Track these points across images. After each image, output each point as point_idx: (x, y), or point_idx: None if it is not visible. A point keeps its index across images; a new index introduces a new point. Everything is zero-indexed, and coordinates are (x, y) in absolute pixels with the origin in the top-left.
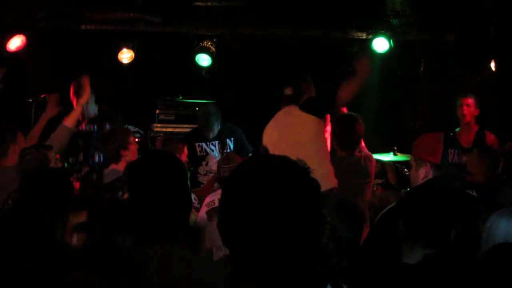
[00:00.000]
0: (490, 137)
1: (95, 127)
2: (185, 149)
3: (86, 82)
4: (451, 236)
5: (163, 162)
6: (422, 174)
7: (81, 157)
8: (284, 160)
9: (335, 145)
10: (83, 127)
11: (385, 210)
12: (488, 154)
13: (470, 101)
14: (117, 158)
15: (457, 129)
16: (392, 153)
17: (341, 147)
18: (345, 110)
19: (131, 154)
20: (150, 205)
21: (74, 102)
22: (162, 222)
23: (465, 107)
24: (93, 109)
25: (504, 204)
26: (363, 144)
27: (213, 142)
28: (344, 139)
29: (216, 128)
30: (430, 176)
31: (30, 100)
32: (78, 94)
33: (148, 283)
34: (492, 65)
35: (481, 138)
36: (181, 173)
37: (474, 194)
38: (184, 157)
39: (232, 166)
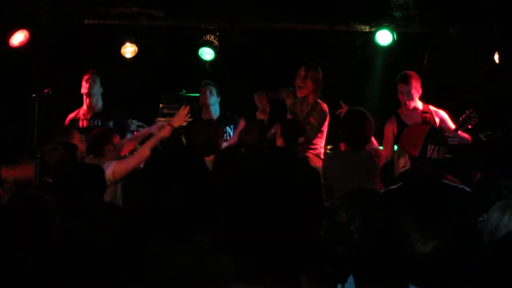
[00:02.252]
0: (438, 112)
1: (100, 122)
2: None
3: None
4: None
5: (186, 160)
6: (402, 163)
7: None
8: (283, 151)
9: (343, 141)
10: (87, 123)
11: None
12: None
13: (409, 87)
14: None
15: (399, 109)
16: (395, 145)
17: (349, 144)
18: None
19: None
20: (174, 204)
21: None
22: (185, 218)
23: (405, 96)
24: (99, 103)
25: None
26: (372, 138)
27: None
28: (353, 136)
29: (216, 97)
30: (408, 166)
31: (34, 95)
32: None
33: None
34: (496, 57)
35: (429, 116)
36: (203, 171)
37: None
38: None
39: None
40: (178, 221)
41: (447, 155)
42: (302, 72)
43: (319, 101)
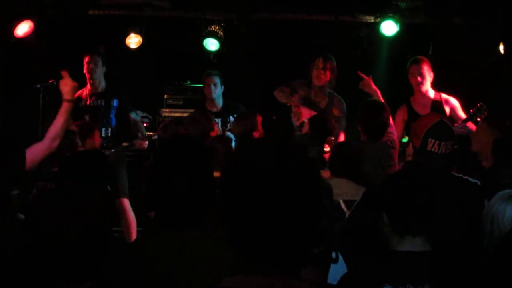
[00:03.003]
0: (449, 100)
1: (103, 102)
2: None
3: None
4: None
5: (189, 147)
6: (408, 151)
7: None
8: (282, 142)
9: (361, 132)
10: (90, 102)
11: (358, 200)
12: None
13: (423, 69)
14: None
15: (411, 96)
16: (404, 132)
17: (367, 134)
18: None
19: None
20: (175, 188)
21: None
22: (187, 207)
23: (418, 78)
24: (102, 83)
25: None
26: (393, 129)
27: (216, 120)
28: (370, 127)
29: (220, 89)
30: (412, 156)
31: (38, 86)
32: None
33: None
34: (501, 48)
35: (438, 104)
36: (206, 159)
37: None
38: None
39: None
40: (179, 208)
41: (455, 147)
42: (320, 64)
43: (333, 92)
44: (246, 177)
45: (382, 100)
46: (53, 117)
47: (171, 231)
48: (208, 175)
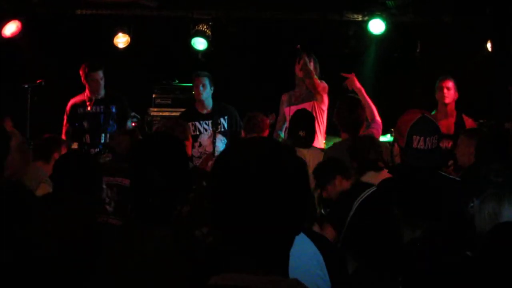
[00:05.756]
0: (468, 122)
1: (102, 108)
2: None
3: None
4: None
5: (164, 143)
6: (394, 151)
7: (87, 139)
8: (269, 141)
9: (339, 127)
10: (90, 108)
11: (366, 193)
12: (476, 136)
13: (450, 84)
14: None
15: (433, 112)
16: (389, 134)
17: (343, 129)
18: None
19: None
20: (149, 181)
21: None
22: (162, 200)
23: (445, 90)
24: (102, 91)
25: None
26: (377, 122)
27: (206, 121)
28: (346, 121)
29: (209, 90)
30: (398, 156)
31: (26, 86)
32: None
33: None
34: (489, 45)
35: (461, 124)
36: (181, 153)
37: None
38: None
39: None
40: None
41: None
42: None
43: None
44: (232, 178)
45: (367, 98)
46: (41, 117)
47: (145, 225)
48: (182, 169)
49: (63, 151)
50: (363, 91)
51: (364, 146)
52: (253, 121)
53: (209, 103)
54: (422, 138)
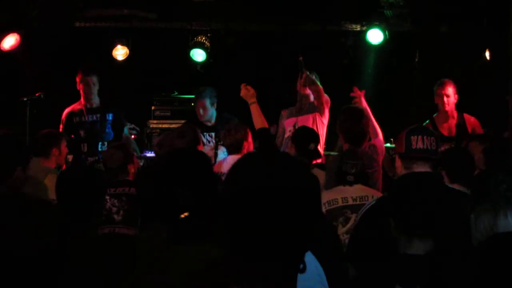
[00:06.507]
0: (471, 120)
1: (98, 117)
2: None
3: None
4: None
5: (192, 161)
6: (397, 167)
7: (85, 148)
8: (283, 156)
9: (342, 140)
10: (86, 118)
11: (367, 207)
12: (488, 142)
13: (450, 90)
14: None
15: (434, 114)
16: (388, 143)
17: (347, 141)
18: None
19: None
20: (180, 201)
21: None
22: (193, 219)
23: (445, 98)
24: (96, 99)
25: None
26: (378, 136)
27: (210, 134)
28: (350, 133)
29: (211, 111)
30: (400, 166)
31: (25, 99)
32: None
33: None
34: (487, 54)
35: (462, 125)
36: (209, 174)
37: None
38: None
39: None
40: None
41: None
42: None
43: None
44: (249, 192)
45: (372, 117)
46: (40, 130)
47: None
48: (210, 187)
49: (63, 146)
50: (369, 110)
51: (343, 159)
52: (230, 136)
53: (212, 117)
54: (420, 137)
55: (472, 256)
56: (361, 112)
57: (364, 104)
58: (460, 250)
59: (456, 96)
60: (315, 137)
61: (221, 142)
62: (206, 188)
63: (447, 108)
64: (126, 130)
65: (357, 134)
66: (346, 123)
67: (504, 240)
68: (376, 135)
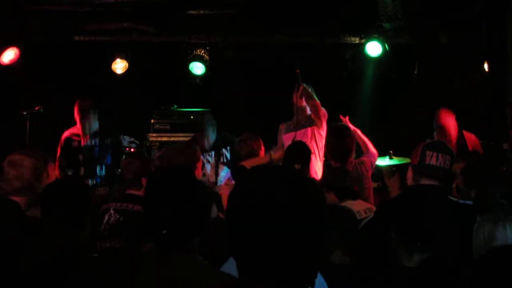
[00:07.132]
0: (470, 138)
1: (97, 141)
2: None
3: None
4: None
5: (177, 178)
6: (408, 177)
7: (82, 171)
8: (289, 172)
9: (328, 156)
10: (85, 142)
11: (367, 219)
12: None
13: (451, 123)
14: None
15: (435, 133)
16: (388, 156)
17: (332, 158)
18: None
19: None
20: (160, 215)
21: (78, 120)
22: (173, 232)
23: (446, 133)
24: (95, 126)
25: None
26: (371, 153)
27: (210, 153)
28: (335, 150)
29: (213, 137)
30: (410, 177)
31: (25, 113)
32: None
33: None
34: (486, 66)
35: (464, 145)
36: (193, 189)
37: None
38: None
39: None
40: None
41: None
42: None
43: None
44: (258, 208)
45: (361, 135)
46: (40, 144)
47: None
48: (194, 202)
49: (50, 169)
50: (358, 131)
51: (338, 176)
52: (247, 146)
53: (212, 140)
54: (434, 153)
55: (468, 269)
56: (345, 130)
57: (352, 127)
58: (456, 263)
59: (456, 123)
60: (303, 158)
61: (221, 162)
62: (185, 200)
63: (448, 139)
64: (125, 141)
65: (341, 152)
66: (331, 140)
67: (499, 254)
68: (367, 150)
